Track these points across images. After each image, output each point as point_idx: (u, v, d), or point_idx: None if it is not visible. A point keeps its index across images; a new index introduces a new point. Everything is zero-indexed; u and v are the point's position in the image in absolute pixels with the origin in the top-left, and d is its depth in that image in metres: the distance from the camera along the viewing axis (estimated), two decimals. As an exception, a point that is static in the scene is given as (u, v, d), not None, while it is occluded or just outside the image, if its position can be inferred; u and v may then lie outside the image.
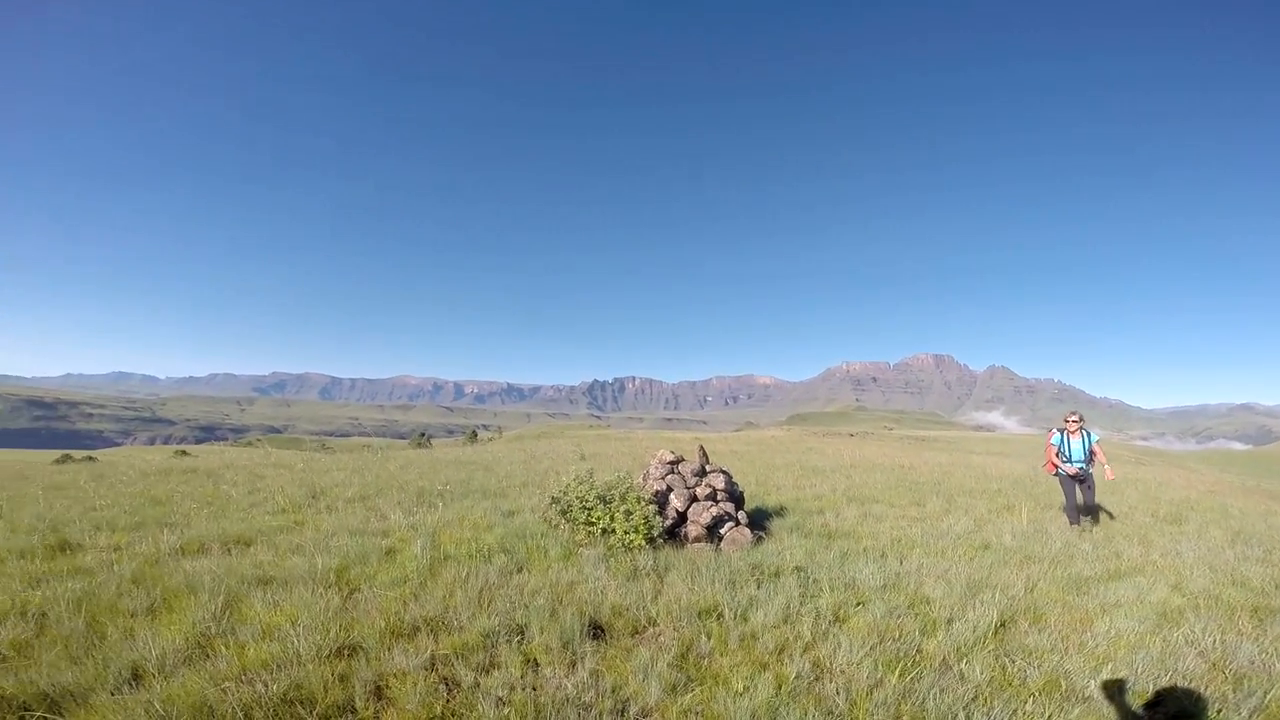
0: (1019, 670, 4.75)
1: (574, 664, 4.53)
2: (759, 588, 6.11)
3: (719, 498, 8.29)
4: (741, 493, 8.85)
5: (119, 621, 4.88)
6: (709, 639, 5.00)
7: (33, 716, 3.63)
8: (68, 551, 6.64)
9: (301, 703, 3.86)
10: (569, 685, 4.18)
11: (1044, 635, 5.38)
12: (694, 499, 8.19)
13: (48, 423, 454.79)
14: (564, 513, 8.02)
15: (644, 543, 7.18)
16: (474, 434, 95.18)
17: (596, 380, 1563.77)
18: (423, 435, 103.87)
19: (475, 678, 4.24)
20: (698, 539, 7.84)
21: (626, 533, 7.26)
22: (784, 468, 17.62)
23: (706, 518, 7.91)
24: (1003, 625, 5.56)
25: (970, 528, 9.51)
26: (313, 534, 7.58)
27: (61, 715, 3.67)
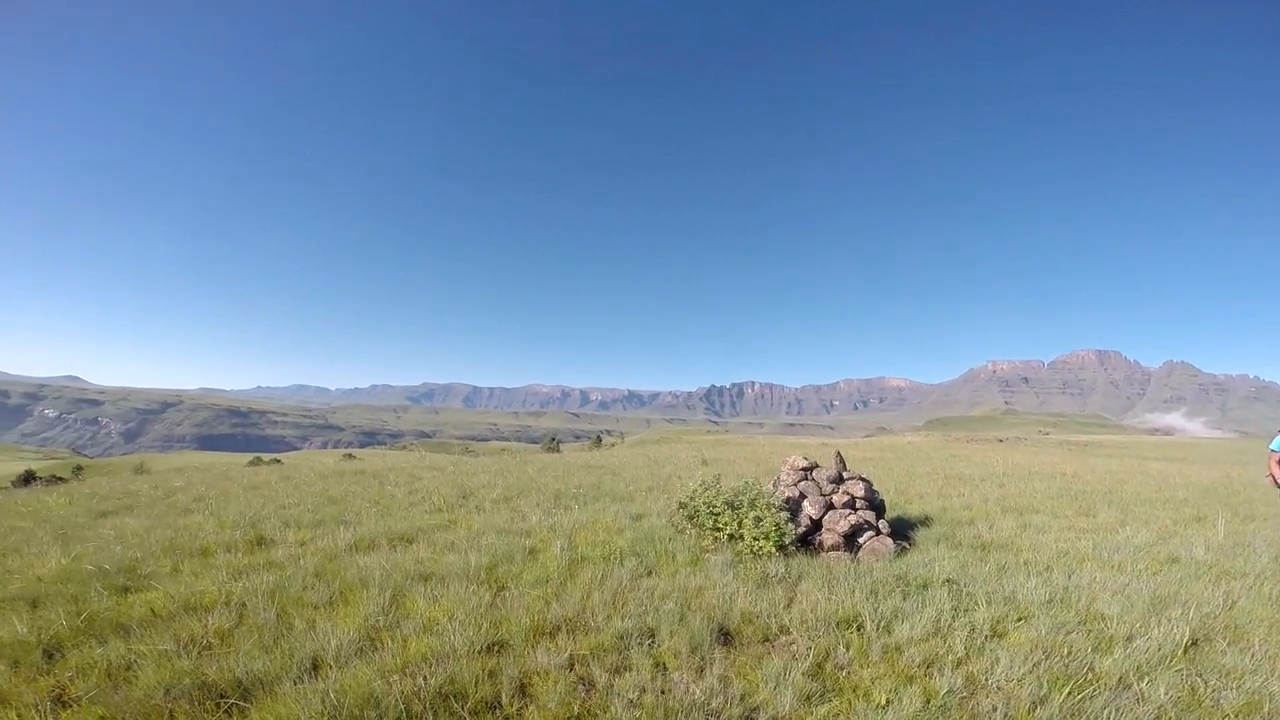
0: (1212, 691, 4.24)
1: (702, 669, 4.50)
2: (904, 599, 5.83)
3: (858, 506, 7.95)
4: (882, 501, 8.42)
5: (303, 613, 5.33)
6: (848, 650, 4.82)
7: (226, 703, 3.93)
8: (263, 546, 7.42)
9: (455, 696, 4.04)
10: (697, 691, 4.15)
11: (1245, 655, 4.76)
12: (830, 506, 7.90)
13: (243, 429, 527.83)
14: (691, 518, 8.02)
15: (774, 550, 7.01)
16: (598, 439, 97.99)
17: (714, 386, 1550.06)
18: (552, 440, 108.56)
19: (609, 679, 4.30)
20: (833, 548, 7.55)
21: (755, 539, 7.13)
22: (925, 476, 16.53)
23: (844, 526, 7.61)
24: (1194, 644, 4.96)
25: (1152, 540, 8.48)
26: (465, 533, 8.09)
27: (250, 702, 3.96)
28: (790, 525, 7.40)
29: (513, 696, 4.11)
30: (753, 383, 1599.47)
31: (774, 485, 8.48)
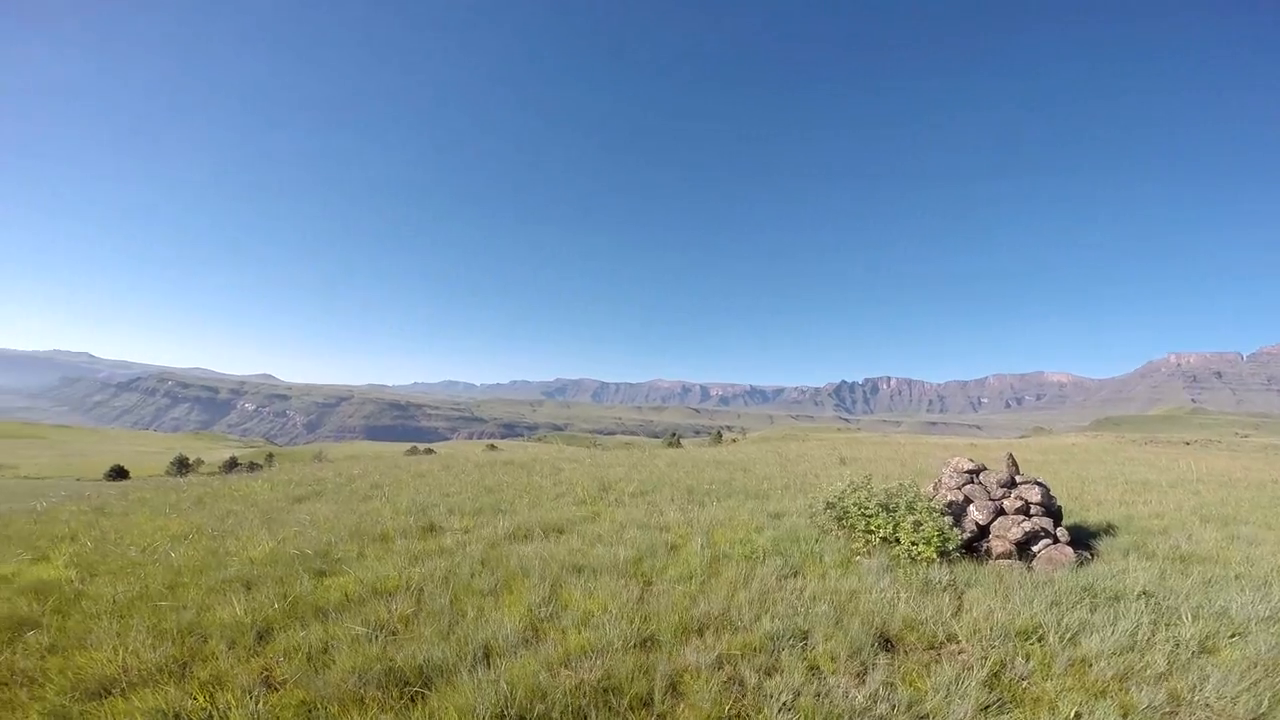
0: None
1: (862, 674, 4.34)
2: (1093, 612, 5.38)
3: (1032, 512, 7.19)
4: (1059, 508, 7.58)
5: (473, 600, 5.52)
6: (1028, 661, 4.54)
7: (410, 690, 4.07)
8: (434, 533, 7.89)
9: (612, 691, 4.05)
10: (858, 696, 3.99)
11: None
12: (999, 512, 7.20)
13: (402, 420, 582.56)
14: (839, 519, 7.66)
15: (934, 556, 6.55)
16: (719, 435, 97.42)
17: (844, 381, 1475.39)
18: (674, 435, 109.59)
19: (760, 680, 4.20)
20: (1003, 555, 6.89)
21: (914, 544, 6.68)
22: (1101, 481, 14.68)
23: (1016, 533, 6.90)
24: None
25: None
26: (609, 526, 8.21)
27: (431, 689, 4.09)
28: (955, 531, 6.84)
29: (665, 694, 4.08)
30: (888, 378, 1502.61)
31: (934, 488, 7.88)
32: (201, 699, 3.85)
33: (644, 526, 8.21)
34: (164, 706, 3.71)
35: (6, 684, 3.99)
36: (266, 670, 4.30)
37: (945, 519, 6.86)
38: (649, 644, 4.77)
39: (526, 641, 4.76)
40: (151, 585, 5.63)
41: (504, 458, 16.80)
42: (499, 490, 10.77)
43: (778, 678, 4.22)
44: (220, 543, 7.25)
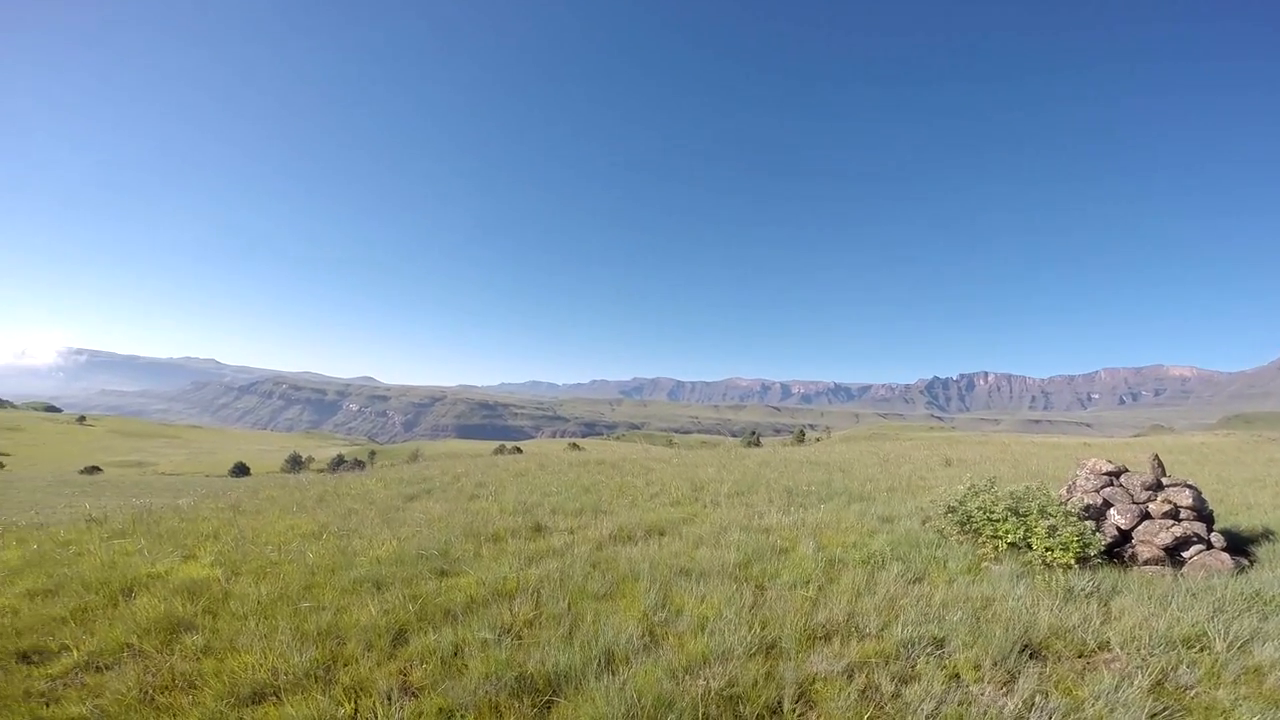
0: None
1: (1009, 682, 4.14)
2: (1264, 620, 5.05)
3: (1182, 516, 6.51)
4: (1211, 512, 6.81)
5: (588, 604, 5.43)
6: (1192, 669, 4.30)
7: (541, 698, 4.01)
8: (541, 533, 7.90)
9: (739, 699, 3.91)
10: (1009, 704, 3.81)
11: None
12: (1144, 516, 6.56)
13: (490, 420, 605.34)
14: (962, 524, 7.24)
15: (1072, 562, 6.07)
16: (801, 434, 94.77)
17: (936, 377, 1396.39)
18: (753, 434, 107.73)
19: (897, 688, 4.04)
20: (1150, 561, 6.31)
21: (1049, 550, 6.22)
22: (1246, 483, 13.18)
23: (1165, 538, 6.27)
24: None
25: None
26: (709, 527, 8.02)
27: (560, 696, 4.03)
28: (1096, 536, 6.26)
29: (795, 702, 3.93)
30: (985, 373, 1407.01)
31: (1066, 491, 7.26)
32: (349, 706, 3.88)
33: (746, 529, 7.98)
34: (316, 715, 3.75)
35: (169, 688, 4.12)
36: (404, 674, 4.32)
37: (1085, 523, 6.33)
38: (772, 651, 4.62)
39: (646, 647, 4.67)
40: (290, 585, 5.84)
41: (595, 457, 16.93)
42: (595, 490, 10.78)
43: (916, 686, 4.05)
44: (347, 541, 7.51)
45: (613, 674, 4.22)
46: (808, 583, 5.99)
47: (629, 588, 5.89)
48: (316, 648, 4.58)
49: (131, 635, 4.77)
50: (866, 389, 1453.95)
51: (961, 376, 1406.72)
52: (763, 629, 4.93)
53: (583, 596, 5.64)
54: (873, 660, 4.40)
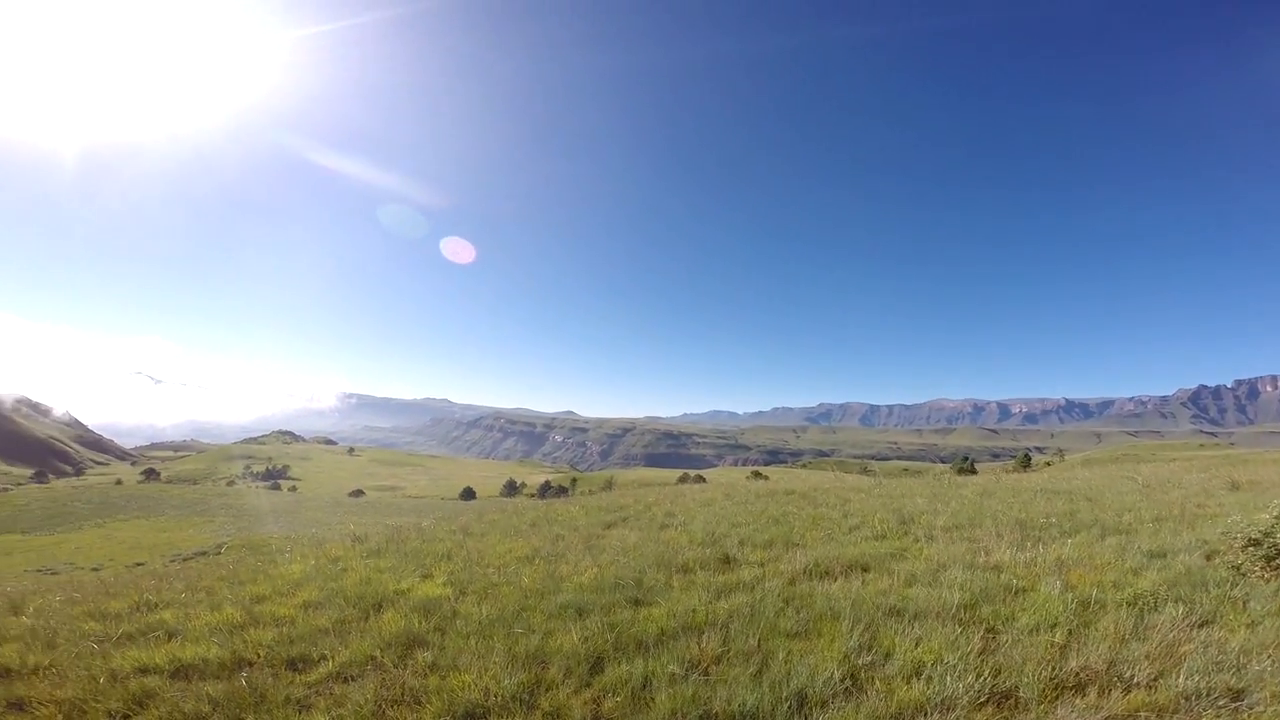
0: None
1: None
2: None
3: None
4: None
5: (780, 642, 5.05)
6: None
7: None
8: (730, 565, 7.55)
9: None
10: None
11: None
12: None
13: (675, 449, 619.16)
14: (1270, 558, 5.97)
15: None
16: (1026, 457, 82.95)
17: (1204, 386, 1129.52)
18: (965, 459, 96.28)
19: None
20: None
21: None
22: None
23: None
24: None
25: None
26: (923, 565, 7.13)
27: None
28: None
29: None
30: (1274, 377, 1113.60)
31: None
32: (546, 733, 3.90)
33: (970, 566, 6.95)
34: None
35: (398, 702, 4.39)
36: (596, 704, 4.30)
37: None
38: (1006, 701, 4.04)
39: (847, 691, 4.24)
40: (506, 607, 6.16)
41: (782, 486, 16.16)
42: (786, 521, 10.15)
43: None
44: (554, 566, 7.82)
45: (805, 719, 3.90)
46: (1053, 626, 5.12)
47: (827, 627, 5.38)
48: (524, 671, 4.72)
49: (375, 649, 5.25)
50: (1108, 404, 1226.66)
51: (1239, 383, 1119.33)
52: (995, 676, 4.27)
53: (774, 634, 5.27)
54: (1141, 714, 3.76)
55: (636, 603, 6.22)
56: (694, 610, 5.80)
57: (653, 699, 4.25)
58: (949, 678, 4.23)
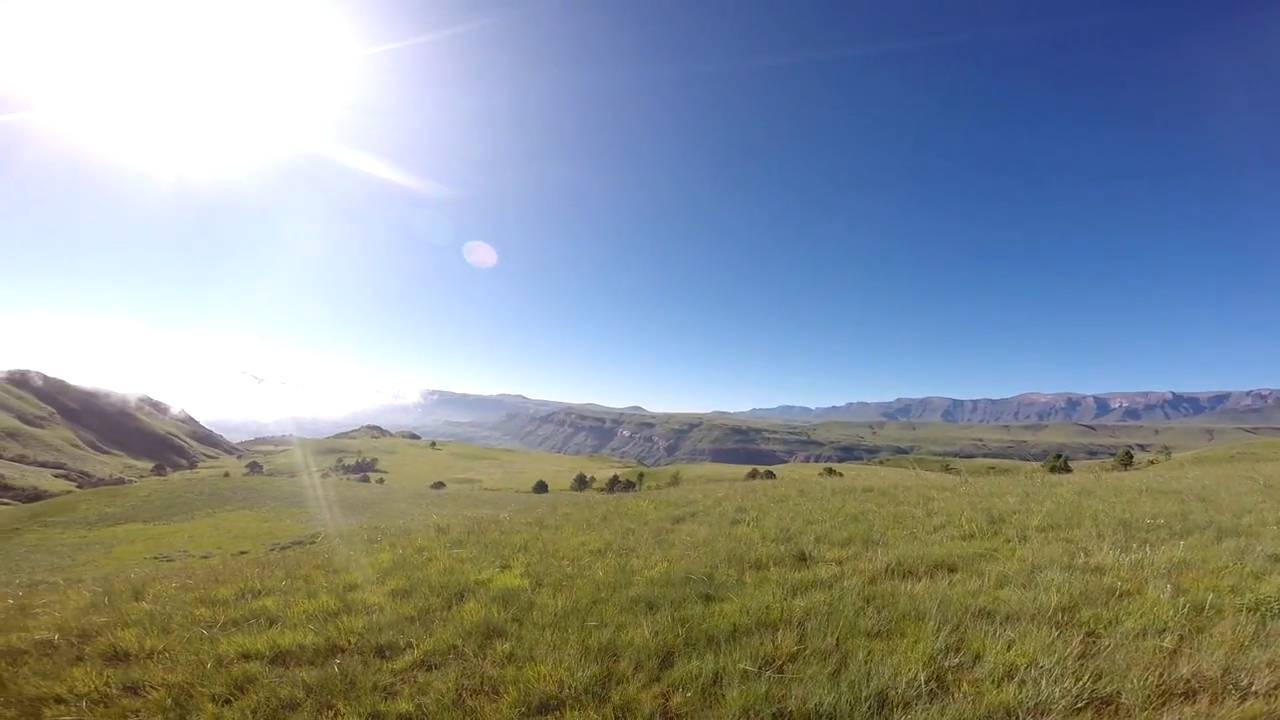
0: None
1: None
2: None
3: None
4: None
5: (859, 642, 4.90)
6: None
7: None
8: (805, 563, 7.33)
9: None
10: None
11: None
12: None
13: (743, 444, 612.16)
14: None
15: None
16: (1127, 455, 77.08)
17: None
18: (1058, 457, 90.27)
19: None
20: None
21: None
22: None
23: None
24: None
25: None
26: (1015, 565, 6.72)
27: None
28: None
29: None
30: None
31: None
32: (615, 728, 3.91)
33: (1068, 568, 6.53)
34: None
35: (477, 691, 4.49)
36: (665, 698, 4.30)
37: None
38: (1107, 707, 3.86)
39: (931, 694, 4.09)
40: (580, 600, 6.24)
41: (860, 484, 15.59)
42: (865, 519, 9.76)
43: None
44: (625, 559, 7.86)
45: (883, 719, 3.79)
46: (1162, 631, 4.83)
47: (911, 627, 5.18)
48: (596, 664, 4.77)
49: (457, 638, 5.40)
50: (1221, 398, 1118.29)
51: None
52: (1095, 681, 4.06)
53: (853, 633, 5.11)
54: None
55: (707, 598, 6.17)
56: (768, 607, 5.69)
57: (723, 695, 4.22)
58: (1044, 681, 4.09)
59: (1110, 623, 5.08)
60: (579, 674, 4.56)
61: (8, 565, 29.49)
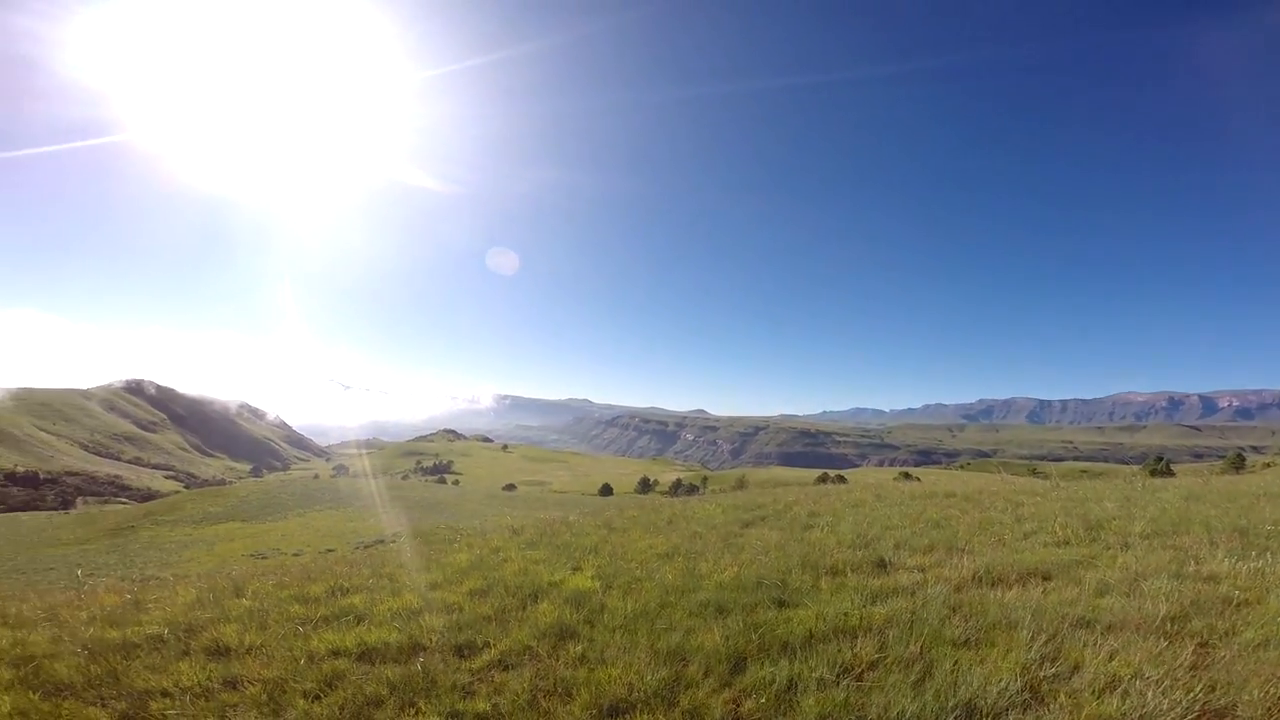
0: None
1: None
2: None
3: None
4: None
5: (944, 651, 4.71)
6: None
7: None
8: (885, 569, 7.09)
9: None
10: None
11: None
12: None
13: (812, 447, 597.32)
14: None
15: None
16: (1238, 457, 70.48)
17: None
18: (1159, 460, 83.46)
19: None
20: None
21: None
22: None
23: None
24: None
25: None
26: (1117, 573, 6.28)
27: None
28: None
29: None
30: None
31: None
32: (685, 733, 3.87)
33: (1176, 576, 6.08)
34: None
35: (550, 693, 4.51)
36: (736, 704, 4.23)
37: None
38: (1219, 719, 3.70)
39: (1025, 704, 3.91)
40: (649, 603, 6.21)
41: (941, 489, 14.87)
42: (948, 525, 9.29)
43: None
44: (694, 563, 7.79)
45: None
46: None
47: (1001, 636, 4.92)
48: (665, 667, 4.73)
49: (532, 639, 5.46)
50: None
51: None
52: (1208, 693, 3.83)
53: (938, 641, 4.89)
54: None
55: (781, 604, 6.03)
56: (846, 614, 5.52)
57: (798, 703, 4.12)
58: (1150, 693, 3.86)
59: (1226, 633, 4.78)
60: (648, 677, 4.54)
61: (124, 561, 32.32)
